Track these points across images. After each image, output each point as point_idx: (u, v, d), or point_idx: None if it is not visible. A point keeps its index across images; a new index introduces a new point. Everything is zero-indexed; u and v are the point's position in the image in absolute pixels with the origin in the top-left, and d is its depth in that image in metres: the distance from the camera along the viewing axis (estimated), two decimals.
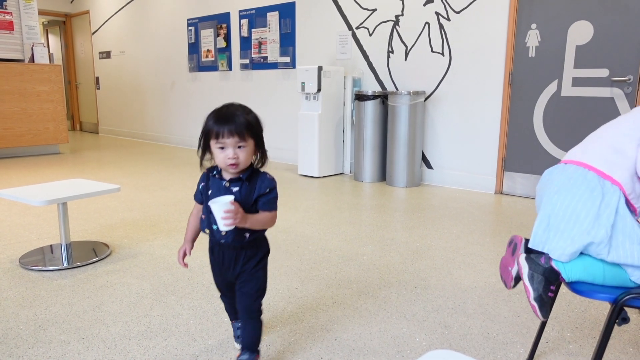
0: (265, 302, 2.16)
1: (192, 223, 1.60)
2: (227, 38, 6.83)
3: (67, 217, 2.71)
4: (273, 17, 6.14)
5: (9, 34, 6.46)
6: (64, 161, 6.28)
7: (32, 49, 6.57)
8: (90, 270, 2.56)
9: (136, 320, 1.99)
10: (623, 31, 3.73)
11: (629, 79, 3.74)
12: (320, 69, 5.02)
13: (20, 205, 3.91)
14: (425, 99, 4.85)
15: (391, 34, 5.08)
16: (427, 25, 4.79)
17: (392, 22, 5.05)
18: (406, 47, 4.98)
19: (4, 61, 6.30)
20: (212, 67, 7.16)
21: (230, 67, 6.90)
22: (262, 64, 6.43)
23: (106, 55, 9.34)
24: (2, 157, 6.44)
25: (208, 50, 7.17)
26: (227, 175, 1.47)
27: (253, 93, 6.66)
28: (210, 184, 1.49)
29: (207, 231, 1.51)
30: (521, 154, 4.36)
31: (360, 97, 4.96)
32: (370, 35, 5.25)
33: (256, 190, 1.45)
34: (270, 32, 6.21)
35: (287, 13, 5.99)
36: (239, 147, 1.39)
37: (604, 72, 3.85)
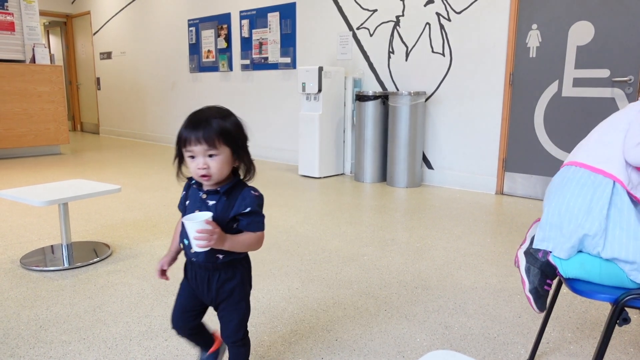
0: (266, 302, 2.16)
1: (177, 231, 1.46)
2: (228, 38, 6.83)
3: (68, 218, 2.72)
4: (274, 18, 6.15)
5: (10, 35, 6.47)
6: (64, 162, 6.28)
7: (33, 49, 6.58)
8: (91, 270, 2.56)
9: (137, 320, 1.99)
10: (624, 32, 3.73)
11: (630, 80, 3.74)
12: (320, 69, 5.02)
13: (21, 205, 3.91)
14: (426, 100, 4.85)
15: (392, 35, 5.08)
16: (427, 26, 4.79)
17: (393, 23, 5.05)
18: (407, 47, 4.98)
19: (5, 62, 6.31)
20: (213, 68, 7.17)
21: (231, 68, 6.90)
22: (263, 65, 6.43)
23: (107, 55, 9.35)
24: (3, 157, 6.45)
25: (209, 51, 7.17)
26: (206, 186, 1.30)
27: (254, 93, 6.66)
28: (190, 193, 1.36)
29: (182, 245, 1.37)
30: (522, 155, 4.35)
31: (360, 98, 4.96)
32: (371, 35, 5.26)
33: (234, 207, 1.26)
34: (271, 33, 6.22)
35: (287, 14, 5.99)
36: (210, 155, 1.22)
37: (604, 73, 3.85)
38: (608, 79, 3.84)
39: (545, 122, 4.19)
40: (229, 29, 6.79)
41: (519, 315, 2.05)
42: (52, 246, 2.92)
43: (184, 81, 7.74)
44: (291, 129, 6.21)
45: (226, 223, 1.26)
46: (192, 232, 1.18)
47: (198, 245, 1.18)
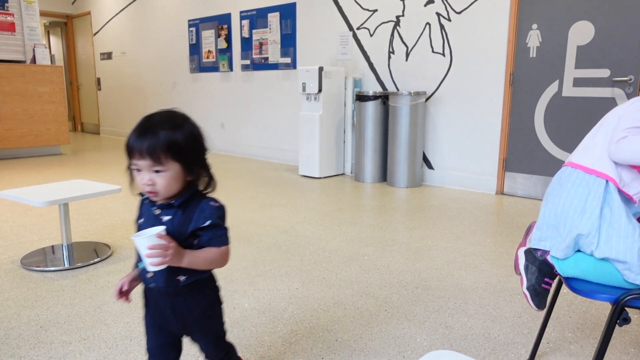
0: (266, 302, 2.17)
1: None
2: (228, 39, 6.83)
3: (68, 218, 2.72)
4: (274, 18, 6.15)
5: (11, 35, 6.48)
6: (65, 162, 6.29)
7: (33, 50, 6.58)
8: (92, 270, 2.56)
9: (137, 320, 1.99)
10: (624, 31, 3.72)
11: (630, 79, 3.74)
12: (321, 69, 5.02)
13: (21, 205, 3.91)
14: (426, 100, 4.85)
15: (392, 35, 5.08)
16: (427, 26, 4.79)
17: (393, 23, 5.05)
18: (407, 47, 4.98)
19: (6, 62, 6.31)
20: (213, 68, 7.17)
21: (231, 68, 6.91)
22: (263, 65, 6.43)
23: (107, 56, 9.35)
24: (3, 157, 6.45)
25: (209, 51, 7.18)
26: (158, 200, 1.14)
27: (254, 94, 6.67)
28: (143, 210, 1.20)
29: (137, 271, 1.22)
30: (522, 155, 4.35)
31: (361, 98, 4.96)
32: (371, 35, 5.26)
33: (192, 221, 1.11)
34: (271, 33, 6.22)
35: (288, 14, 6.00)
36: (156, 171, 1.07)
37: (605, 73, 3.85)
38: (608, 78, 3.84)
39: (545, 122, 4.19)
40: (229, 29, 6.80)
41: (520, 315, 2.05)
42: (52, 246, 2.93)
43: (185, 81, 7.74)
44: (291, 129, 6.21)
45: (184, 239, 1.11)
46: (143, 250, 1.03)
47: (151, 264, 1.04)
